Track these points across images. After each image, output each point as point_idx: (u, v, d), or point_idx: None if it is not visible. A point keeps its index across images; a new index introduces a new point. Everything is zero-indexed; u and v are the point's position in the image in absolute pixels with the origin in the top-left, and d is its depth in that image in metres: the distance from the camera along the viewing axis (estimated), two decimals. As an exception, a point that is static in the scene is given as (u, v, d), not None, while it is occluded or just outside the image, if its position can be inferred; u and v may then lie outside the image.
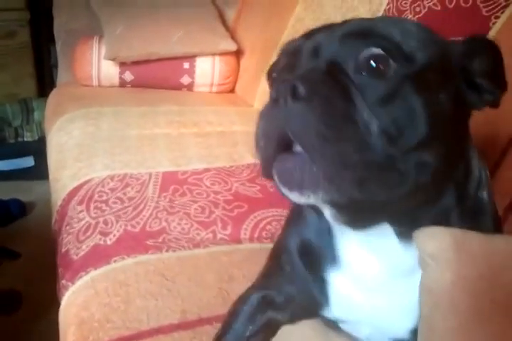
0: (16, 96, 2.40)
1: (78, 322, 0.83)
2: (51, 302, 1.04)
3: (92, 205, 1.13)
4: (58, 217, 1.20)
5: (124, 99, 1.78)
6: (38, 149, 2.17)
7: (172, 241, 0.98)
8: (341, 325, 0.69)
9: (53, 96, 1.97)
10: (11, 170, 2.23)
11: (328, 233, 0.62)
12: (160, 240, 0.99)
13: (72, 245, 1.04)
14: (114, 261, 0.94)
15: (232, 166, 1.28)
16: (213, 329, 0.73)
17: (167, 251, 0.95)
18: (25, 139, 2.29)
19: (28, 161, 2.24)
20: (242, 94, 1.95)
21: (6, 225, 1.93)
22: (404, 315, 0.60)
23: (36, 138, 2.28)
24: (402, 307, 0.60)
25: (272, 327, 0.70)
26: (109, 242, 1.00)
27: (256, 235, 0.99)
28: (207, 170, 1.26)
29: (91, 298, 0.86)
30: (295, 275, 0.67)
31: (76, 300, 0.89)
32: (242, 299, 0.71)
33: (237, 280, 0.84)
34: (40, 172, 2.17)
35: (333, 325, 0.69)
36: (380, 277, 0.59)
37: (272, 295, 0.69)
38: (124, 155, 1.35)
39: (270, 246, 0.83)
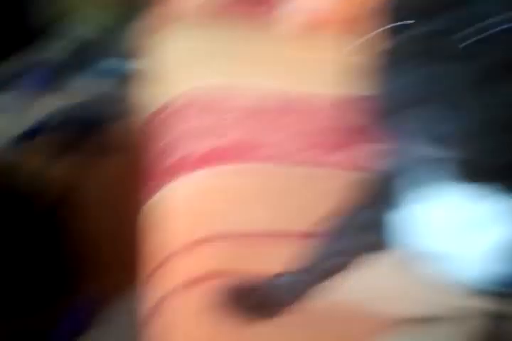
0: None
1: (184, 213, 0.86)
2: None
3: (206, 107, 1.12)
4: (168, 113, 1.20)
5: None
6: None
7: (276, 154, 0.97)
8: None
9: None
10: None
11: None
12: (264, 151, 0.98)
13: (180, 142, 1.04)
14: (223, 164, 0.94)
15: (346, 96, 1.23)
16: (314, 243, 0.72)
17: (270, 162, 0.95)
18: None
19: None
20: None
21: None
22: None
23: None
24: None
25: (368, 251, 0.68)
26: (219, 145, 0.99)
27: (355, 163, 0.96)
28: (317, 94, 1.22)
29: (194, 194, 0.88)
30: None
31: (176, 194, 0.91)
32: (344, 213, 0.69)
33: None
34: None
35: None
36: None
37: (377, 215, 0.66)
38: (234, 67, 1.33)
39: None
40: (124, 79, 2.20)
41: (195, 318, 0.68)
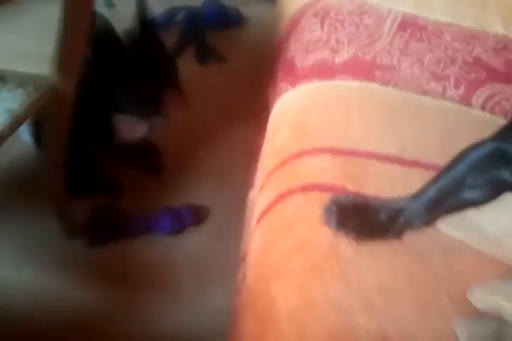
0: None
1: (293, 123, 0.86)
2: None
3: (326, 21, 1.10)
4: (289, 24, 1.19)
5: None
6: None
7: (400, 79, 0.95)
8: None
9: None
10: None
11: None
12: (388, 75, 0.95)
13: (299, 53, 1.04)
14: (340, 79, 0.93)
15: (478, 30, 1.16)
16: (428, 175, 0.70)
17: (393, 87, 0.92)
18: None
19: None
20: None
21: (223, 29, 1.97)
22: None
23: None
24: None
25: (496, 189, 0.66)
26: (337, 60, 0.98)
27: (489, 106, 0.93)
28: (450, 24, 1.16)
29: (311, 105, 0.88)
30: None
31: (294, 103, 0.91)
32: (473, 146, 0.67)
33: (463, 142, 0.80)
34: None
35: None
36: None
37: (509, 149, 0.64)
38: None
39: (502, 121, 0.78)
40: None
41: (291, 226, 0.69)
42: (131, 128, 1.23)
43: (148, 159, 1.40)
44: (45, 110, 0.98)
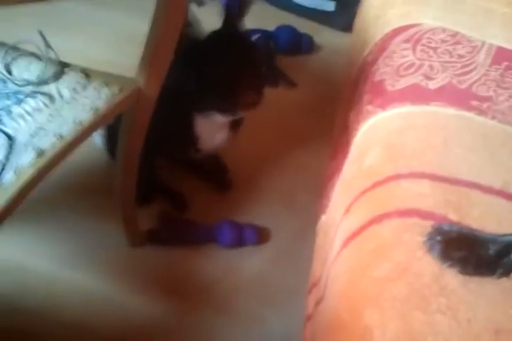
0: None
1: (386, 145, 0.82)
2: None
3: (418, 47, 1.07)
4: (376, 49, 1.17)
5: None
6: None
7: (498, 112, 0.90)
8: None
9: None
10: (310, 8, 2.21)
11: None
12: (485, 106, 0.91)
13: (389, 77, 1.01)
14: (435, 105, 0.89)
15: None
16: None
17: (492, 118, 0.88)
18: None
19: (329, 5, 2.20)
20: None
21: (294, 55, 1.98)
22: None
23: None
24: None
25: None
26: (431, 86, 0.94)
27: None
28: (545, 61, 1.12)
29: (405, 128, 0.84)
30: None
31: (386, 126, 0.87)
32: None
33: None
34: (336, 20, 2.15)
35: None
36: None
37: None
38: (457, 14, 1.25)
39: None
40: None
41: (387, 251, 0.64)
42: (212, 135, 1.21)
43: (216, 174, 1.38)
44: (127, 111, 0.97)
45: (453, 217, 0.66)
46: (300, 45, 1.98)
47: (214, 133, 1.21)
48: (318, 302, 0.80)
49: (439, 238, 0.61)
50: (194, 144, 1.20)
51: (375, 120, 0.91)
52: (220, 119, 1.18)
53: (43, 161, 0.76)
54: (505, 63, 1.06)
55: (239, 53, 1.17)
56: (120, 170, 1.06)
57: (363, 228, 0.69)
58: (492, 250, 0.61)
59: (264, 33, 2.00)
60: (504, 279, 0.60)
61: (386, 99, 0.95)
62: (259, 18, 2.18)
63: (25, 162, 0.77)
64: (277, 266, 1.21)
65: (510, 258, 0.60)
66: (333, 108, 1.44)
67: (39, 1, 2.00)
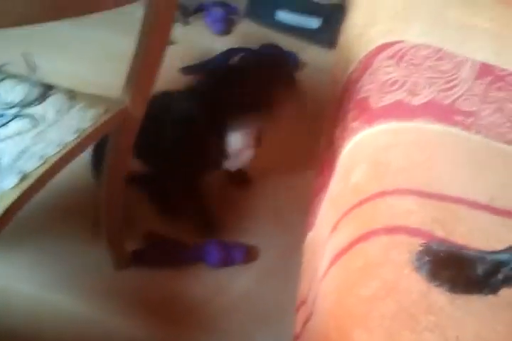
0: None
1: (372, 162, 0.82)
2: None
3: (402, 64, 1.08)
4: (361, 66, 1.18)
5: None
6: (329, 14, 2.15)
7: (482, 126, 0.91)
8: None
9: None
10: (294, 25, 2.24)
11: None
12: (469, 121, 0.92)
13: (374, 93, 1.02)
14: (419, 122, 0.90)
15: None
16: None
17: (476, 133, 0.88)
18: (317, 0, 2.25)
19: (313, 23, 2.22)
20: None
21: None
22: None
23: (329, 2, 2.23)
24: None
25: None
26: (415, 102, 0.95)
27: None
28: (527, 76, 1.13)
29: (391, 145, 0.84)
30: None
31: (372, 143, 0.88)
32: None
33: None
34: (321, 37, 2.18)
35: None
36: None
37: None
38: (440, 30, 1.26)
39: None
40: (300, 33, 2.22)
41: (375, 269, 0.64)
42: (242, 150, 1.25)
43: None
44: (113, 132, 0.96)
45: (440, 233, 0.66)
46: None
47: (244, 148, 1.26)
48: (306, 321, 0.79)
49: (427, 258, 0.61)
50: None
51: (361, 137, 0.92)
52: (249, 131, 1.23)
53: (26, 184, 0.76)
54: (489, 78, 1.07)
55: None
56: (105, 191, 1.05)
57: (351, 246, 0.69)
58: (480, 269, 0.60)
59: (250, 52, 2.01)
60: (491, 296, 0.60)
61: (371, 115, 0.96)
62: (243, 37, 2.20)
63: (8, 185, 0.76)
64: (266, 285, 1.21)
65: (498, 278, 0.60)
66: (319, 125, 1.45)
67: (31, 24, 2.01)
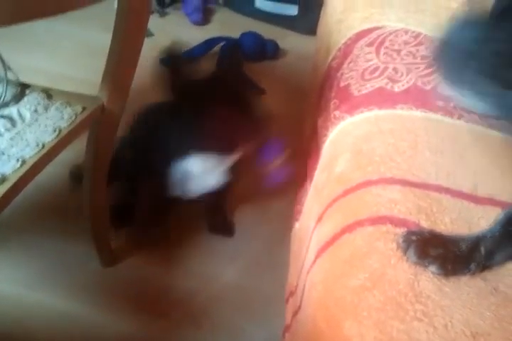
0: None
1: (355, 151, 0.82)
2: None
3: (382, 50, 1.07)
4: (340, 54, 1.17)
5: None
6: (306, 0, 2.13)
7: (464, 111, 0.91)
8: None
9: None
10: (273, 13, 2.22)
11: None
12: (451, 106, 0.91)
13: (355, 81, 1.01)
14: (401, 108, 0.89)
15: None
16: None
17: (459, 118, 0.88)
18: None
19: (292, 10, 2.21)
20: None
21: (260, 61, 1.98)
22: None
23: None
24: None
25: None
26: (396, 89, 0.95)
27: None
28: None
29: (373, 133, 0.84)
30: None
31: (354, 132, 0.87)
32: None
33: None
34: (300, 24, 2.16)
35: None
36: None
37: None
38: (419, 14, 1.26)
39: None
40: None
41: (362, 260, 0.64)
42: (204, 176, 1.10)
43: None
44: (92, 129, 0.95)
45: (425, 223, 0.66)
46: (265, 51, 1.99)
47: (206, 174, 1.11)
48: (295, 312, 0.79)
49: (413, 238, 0.61)
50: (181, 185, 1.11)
51: (343, 126, 0.91)
52: (216, 160, 1.10)
53: (6, 187, 0.74)
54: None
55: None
56: (89, 188, 1.04)
57: (336, 237, 0.68)
58: (464, 246, 0.61)
59: (229, 41, 2.00)
60: (478, 281, 0.60)
61: (353, 104, 0.95)
62: (223, 26, 2.18)
63: (-12, 188, 0.75)
64: (254, 275, 1.21)
65: (481, 252, 0.61)
66: (302, 113, 1.44)
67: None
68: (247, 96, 1.13)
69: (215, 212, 1.33)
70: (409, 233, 0.63)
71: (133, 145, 1.22)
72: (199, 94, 1.06)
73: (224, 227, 1.33)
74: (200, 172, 1.09)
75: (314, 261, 0.72)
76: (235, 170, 1.13)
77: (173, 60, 1.09)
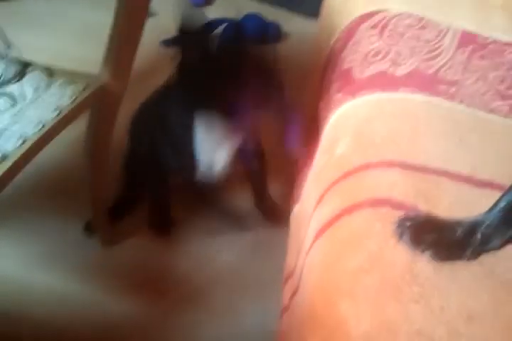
0: None
1: (356, 134, 0.82)
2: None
3: (385, 33, 1.07)
4: (344, 35, 1.16)
5: None
6: (311, -18, 2.11)
7: (466, 95, 0.90)
8: None
9: None
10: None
11: None
12: (453, 90, 0.91)
13: (358, 64, 1.01)
14: (403, 92, 0.89)
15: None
16: None
17: (460, 103, 0.88)
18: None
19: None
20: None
21: (262, 43, 1.96)
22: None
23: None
24: None
25: None
26: (399, 73, 0.94)
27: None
28: (510, 44, 1.12)
29: (375, 116, 0.84)
30: None
31: (356, 114, 0.87)
32: None
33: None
34: (304, 6, 2.14)
35: None
36: None
37: None
38: (423, -2, 1.25)
39: None
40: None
41: (360, 241, 0.64)
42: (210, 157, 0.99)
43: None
44: (93, 108, 0.95)
45: (423, 206, 0.66)
46: (267, 33, 1.97)
47: (214, 148, 0.99)
48: (293, 294, 0.80)
49: (408, 223, 0.62)
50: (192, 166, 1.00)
51: (345, 108, 0.91)
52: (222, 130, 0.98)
53: (7, 164, 0.75)
54: (471, 46, 1.06)
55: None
56: (90, 169, 1.04)
57: (335, 219, 0.69)
58: (459, 231, 0.62)
59: (231, 23, 1.98)
60: (474, 264, 0.60)
61: (355, 87, 0.95)
62: (225, 7, 2.16)
63: (-12, 165, 0.75)
64: (252, 257, 1.22)
65: (477, 237, 0.61)
66: (303, 98, 1.44)
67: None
68: (263, 65, 1.08)
69: (263, 199, 1.32)
70: (404, 219, 0.63)
71: (142, 139, 1.20)
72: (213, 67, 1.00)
73: (274, 214, 1.32)
74: (211, 142, 0.98)
75: (313, 243, 0.73)
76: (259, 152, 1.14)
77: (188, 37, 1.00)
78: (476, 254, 0.61)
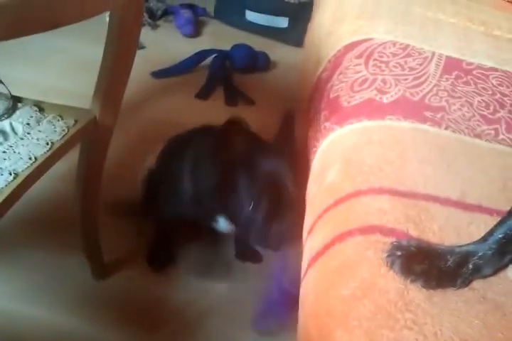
0: None
1: (345, 162, 0.83)
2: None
3: (371, 62, 1.09)
4: (330, 65, 1.19)
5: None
6: (296, 13, 2.16)
7: (451, 121, 0.92)
8: None
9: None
10: (264, 25, 2.25)
11: None
12: (439, 116, 0.93)
13: (344, 93, 1.02)
14: (390, 119, 0.91)
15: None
16: (493, 220, 0.66)
17: (446, 129, 0.90)
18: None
19: (282, 22, 2.23)
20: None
21: (251, 72, 2.00)
22: None
23: (297, 1, 2.23)
24: None
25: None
26: (385, 101, 0.96)
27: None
28: (494, 69, 1.14)
29: (363, 144, 0.85)
30: None
31: (344, 143, 0.88)
32: None
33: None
34: (290, 36, 2.19)
35: None
36: None
37: None
38: (406, 26, 1.28)
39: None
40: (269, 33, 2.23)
41: (352, 269, 0.65)
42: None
43: None
44: (84, 142, 0.96)
45: (414, 232, 0.67)
46: (256, 62, 2.01)
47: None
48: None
49: (398, 253, 0.62)
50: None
51: (333, 137, 0.92)
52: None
53: (-2, 200, 0.75)
54: (455, 72, 1.09)
55: None
56: (81, 202, 1.04)
57: (327, 247, 0.69)
58: (451, 261, 0.61)
59: (221, 53, 2.02)
60: (466, 290, 0.61)
61: (342, 115, 0.96)
62: (214, 38, 2.20)
63: (-20, 202, 0.75)
64: (247, 287, 1.21)
65: (469, 268, 0.61)
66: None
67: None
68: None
69: (245, 243, 1.33)
70: (394, 247, 0.63)
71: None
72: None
73: (252, 255, 1.33)
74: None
75: (306, 271, 0.73)
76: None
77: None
78: (467, 283, 0.61)
